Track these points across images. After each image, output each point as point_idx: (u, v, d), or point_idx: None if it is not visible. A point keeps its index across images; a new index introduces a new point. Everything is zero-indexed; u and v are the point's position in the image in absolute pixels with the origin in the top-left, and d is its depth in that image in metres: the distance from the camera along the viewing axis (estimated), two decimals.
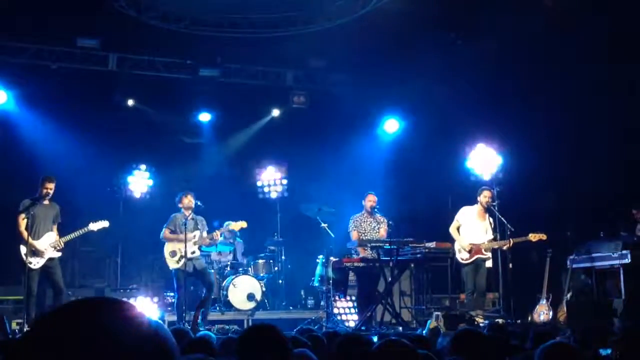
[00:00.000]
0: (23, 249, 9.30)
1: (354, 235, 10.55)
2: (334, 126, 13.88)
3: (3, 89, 11.96)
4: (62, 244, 9.62)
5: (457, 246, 10.24)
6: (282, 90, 13.92)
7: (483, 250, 10.01)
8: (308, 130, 14.11)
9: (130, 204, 12.95)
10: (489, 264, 10.08)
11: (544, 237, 9.85)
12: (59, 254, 9.61)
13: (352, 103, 13.84)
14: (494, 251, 10.24)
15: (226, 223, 11.23)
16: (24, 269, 9.18)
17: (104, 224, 10.02)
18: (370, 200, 10.69)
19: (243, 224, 11.09)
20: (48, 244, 9.47)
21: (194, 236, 10.23)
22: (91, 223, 9.88)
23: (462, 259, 10.14)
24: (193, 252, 10.19)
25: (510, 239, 9.83)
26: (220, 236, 10.94)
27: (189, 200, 10.27)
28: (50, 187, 9.45)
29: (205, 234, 10.40)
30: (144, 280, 13.53)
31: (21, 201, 9.52)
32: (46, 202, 9.51)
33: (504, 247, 9.95)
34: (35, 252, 9.35)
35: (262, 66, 13.64)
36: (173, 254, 10.25)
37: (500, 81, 12.25)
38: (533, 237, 9.86)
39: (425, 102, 13.41)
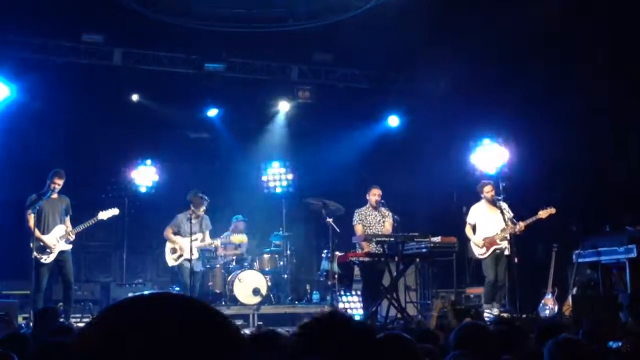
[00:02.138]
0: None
1: (358, 229, 10.52)
2: (339, 120, 13.88)
3: (6, 83, 11.97)
4: (74, 236, 9.62)
5: (472, 245, 10.27)
6: (288, 85, 13.90)
7: (498, 240, 9.99)
8: (313, 124, 14.11)
9: (135, 199, 12.96)
10: (507, 252, 10.04)
11: (553, 211, 9.82)
12: (70, 246, 9.61)
13: (357, 97, 13.83)
14: None
15: (232, 230, 11.32)
16: (34, 264, 9.21)
17: (114, 211, 10.05)
18: (375, 194, 10.63)
19: (243, 239, 11.25)
20: (57, 237, 9.48)
21: (196, 239, 10.36)
22: (100, 212, 9.89)
23: (480, 255, 10.15)
24: (192, 255, 10.29)
25: (521, 222, 9.83)
26: (221, 245, 11.16)
27: (202, 208, 10.47)
28: (59, 182, 9.46)
29: (207, 234, 10.59)
30: (150, 275, 13.60)
31: (28, 196, 9.55)
32: (54, 195, 9.51)
33: (517, 231, 9.89)
34: (44, 247, 9.36)
35: (267, 61, 13.61)
36: (173, 251, 10.46)
37: (504, 74, 12.20)
38: (543, 213, 9.84)
39: (430, 95, 13.39)
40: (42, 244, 9.32)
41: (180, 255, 10.46)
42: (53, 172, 9.49)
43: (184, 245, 10.43)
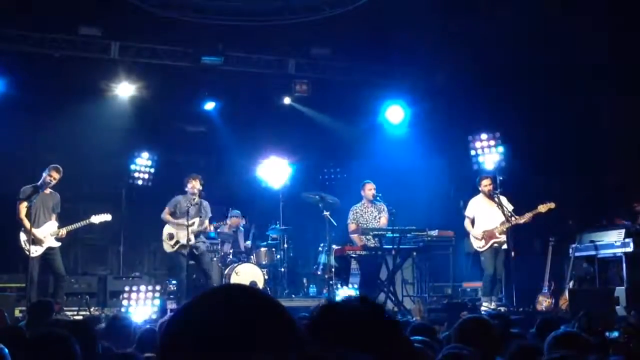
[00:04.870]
0: (23, 237, 9.29)
1: (351, 227, 10.55)
2: (336, 114, 13.85)
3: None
4: (64, 234, 9.60)
5: (471, 238, 10.25)
6: (285, 79, 13.85)
7: (497, 234, 9.99)
8: (310, 118, 14.09)
9: (132, 192, 12.94)
10: (505, 246, 10.04)
11: (552, 205, 9.80)
12: (59, 243, 9.59)
13: (355, 91, 13.79)
14: None
15: (228, 225, 11.16)
16: (24, 256, 9.18)
17: (106, 217, 9.99)
18: (370, 189, 10.68)
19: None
20: (48, 233, 9.45)
21: (193, 223, 10.22)
22: (93, 216, 9.86)
23: (479, 247, 10.13)
24: (189, 240, 10.17)
25: (527, 213, 9.79)
26: (214, 230, 11.03)
27: (192, 186, 10.26)
28: (56, 177, 9.43)
29: (207, 221, 10.43)
30: (146, 268, 13.59)
31: (21, 189, 9.51)
32: (47, 191, 9.49)
33: (525, 221, 9.87)
34: (34, 240, 9.32)
35: (264, 54, 13.56)
36: (170, 236, 10.25)
37: (503, 68, 12.19)
38: (543, 207, 9.82)
39: (428, 90, 13.37)
40: (32, 237, 9.28)
41: (177, 242, 10.25)
42: (51, 166, 9.46)
43: (180, 230, 10.24)
